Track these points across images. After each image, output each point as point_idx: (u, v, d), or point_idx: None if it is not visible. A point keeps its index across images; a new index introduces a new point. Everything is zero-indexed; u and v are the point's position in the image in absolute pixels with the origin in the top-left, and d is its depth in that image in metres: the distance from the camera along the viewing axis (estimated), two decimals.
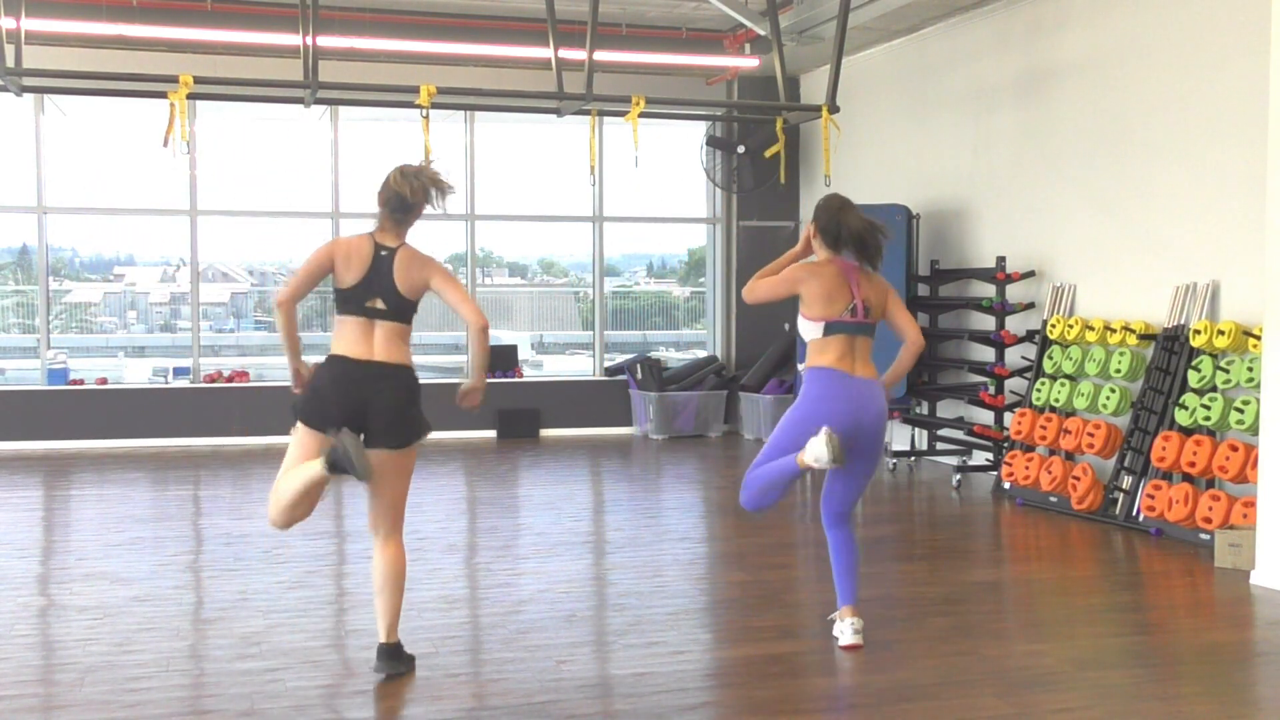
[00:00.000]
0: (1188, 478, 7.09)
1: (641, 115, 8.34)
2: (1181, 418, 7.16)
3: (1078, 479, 7.81)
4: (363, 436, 4.48)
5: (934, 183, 10.15)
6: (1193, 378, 7.22)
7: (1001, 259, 9.06)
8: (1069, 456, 8.13)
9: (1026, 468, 8.27)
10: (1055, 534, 7.44)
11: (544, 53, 8.67)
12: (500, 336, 12.73)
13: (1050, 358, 8.40)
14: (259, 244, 12.64)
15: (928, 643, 5.11)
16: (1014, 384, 9.00)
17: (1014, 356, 9.00)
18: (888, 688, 4.51)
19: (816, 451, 4.70)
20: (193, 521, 7.95)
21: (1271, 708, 4.51)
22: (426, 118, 7.96)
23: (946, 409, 9.97)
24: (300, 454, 4.53)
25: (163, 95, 7.65)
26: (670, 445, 11.27)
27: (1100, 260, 8.29)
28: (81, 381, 11.20)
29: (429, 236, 12.68)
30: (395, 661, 4.64)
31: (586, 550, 7.02)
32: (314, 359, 4.76)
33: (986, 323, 9.30)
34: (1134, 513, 7.44)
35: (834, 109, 8.72)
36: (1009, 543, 7.47)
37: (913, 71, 10.47)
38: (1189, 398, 7.16)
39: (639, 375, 11.87)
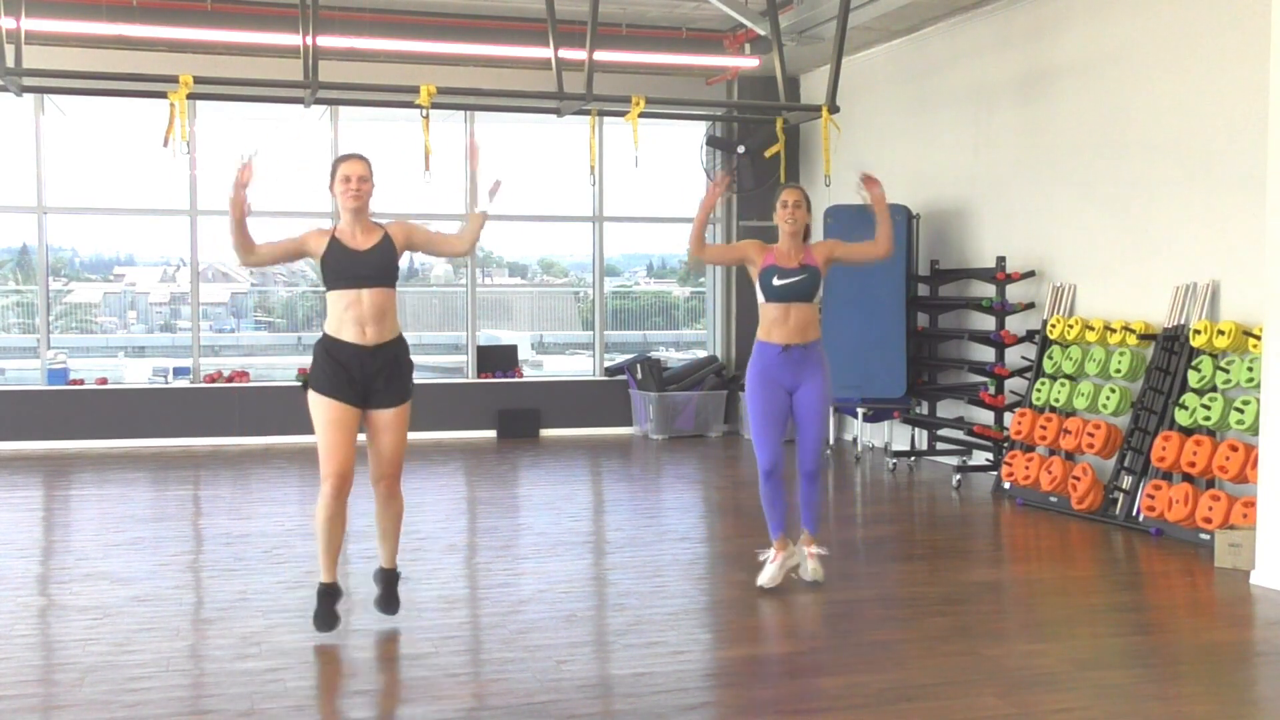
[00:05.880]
0: (1188, 478, 7.09)
1: (641, 115, 8.34)
2: (1181, 418, 7.16)
3: (1078, 479, 7.81)
4: None
5: (934, 183, 10.15)
6: (1193, 378, 7.22)
7: (1001, 259, 9.06)
8: (1069, 456, 8.13)
9: (1026, 468, 8.26)
10: (1055, 534, 7.44)
11: (544, 53, 8.66)
12: (500, 336, 12.75)
13: (1050, 358, 8.40)
14: None
15: (928, 643, 5.11)
16: (1014, 384, 9.00)
17: (1014, 356, 9.00)
18: (888, 688, 4.51)
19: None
20: (193, 521, 7.95)
21: (1271, 708, 4.50)
22: (426, 118, 7.96)
23: (946, 409, 9.97)
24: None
25: (163, 95, 7.65)
26: (670, 445, 11.27)
27: (1100, 260, 8.29)
28: (81, 381, 11.20)
29: None
30: (390, 589, 5.33)
31: (586, 550, 7.02)
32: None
33: (986, 323, 9.30)
34: (1134, 513, 7.44)
35: (834, 109, 8.72)
36: (1009, 543, 7.47)
37: (913, 71, 10.47)
38: (1189, 398, 7.16)
39: (639, 375, 11.87)
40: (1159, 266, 7.77)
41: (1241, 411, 6.80)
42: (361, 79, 9.61)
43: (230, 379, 11.38)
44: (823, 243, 6.08)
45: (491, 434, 11.68)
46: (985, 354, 9.29)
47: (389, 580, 5.36)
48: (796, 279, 5.82)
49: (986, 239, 9.52)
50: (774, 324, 5.84)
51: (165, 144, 7.68)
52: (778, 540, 5.95)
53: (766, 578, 5.92)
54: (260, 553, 6.69)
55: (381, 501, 5.24)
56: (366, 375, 5.01)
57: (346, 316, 5.02)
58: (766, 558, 5.99)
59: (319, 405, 5.02)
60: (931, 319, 10.05)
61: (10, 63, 7.58)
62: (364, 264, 5.04)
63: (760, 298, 5.89)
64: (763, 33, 9.48)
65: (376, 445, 5.14)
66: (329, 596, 5.14)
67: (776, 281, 5.81)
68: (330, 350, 5.03)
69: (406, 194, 11.13)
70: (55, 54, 9.83)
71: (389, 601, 5.35)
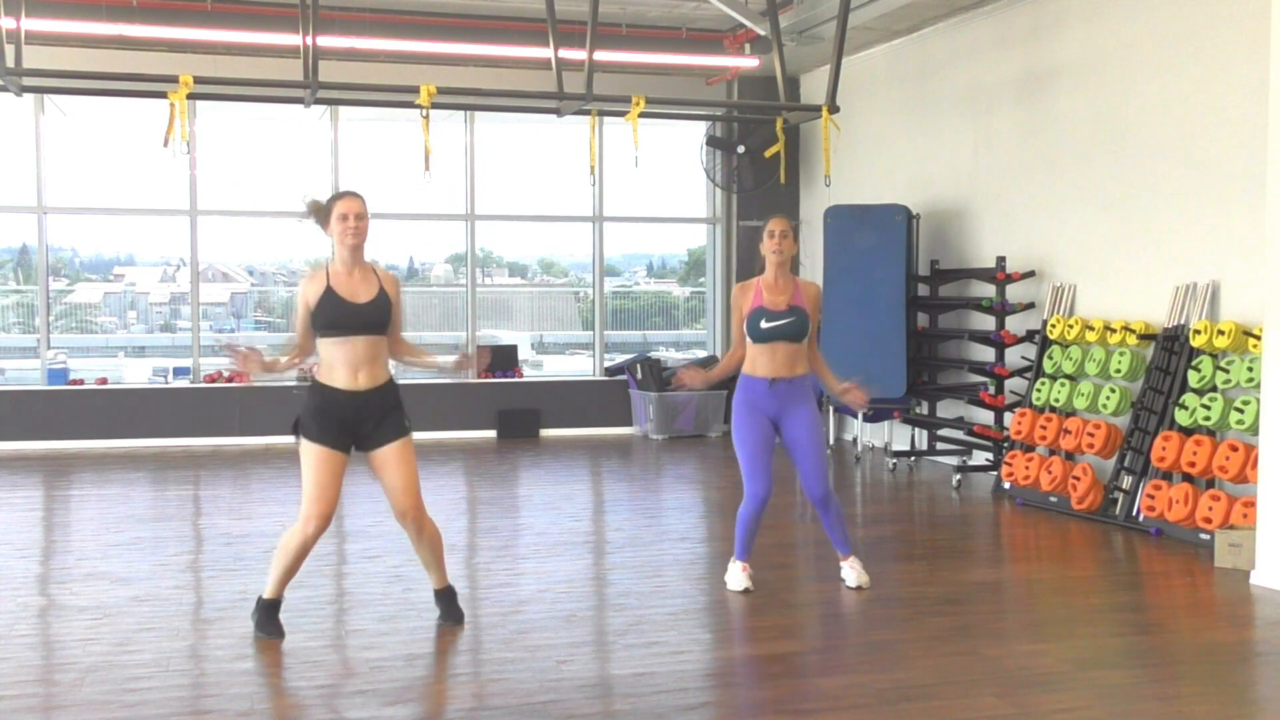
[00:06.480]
0: (1188, 478, 7.09)
1: (641, 115, 8.34)
2: (1181, 418, 7.16)
3: (1078, 479, 7.81)
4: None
5: (934, 183, 10.15)
6: (1193, 378, 7.22)
7: (1001, 259, 9.06)
8: (1069, 456, 8.13)
9: (1026, 468, 8.26)
10: (1055, 534, 7.44)
11: (544, 53, 8.67)
12: (500, 336, 12.74)
13: (1050, 358, 8.40)
14: (259, 244, 12.65)
15: (928, 643, 5.11)
16: (1014, 384, 9.00)
17: (1014, 356, 9.00)
18: (888, 688, 4.51)
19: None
20: (193, 521, 7.95)
21: (1271, 708, 4.50)
22: (426, 118, 7.96)
23: (946, 409, 9.97)
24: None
25: (163, 95, 7.65)
26: (670, 445, 11.27)
27: (1100, 260, 8.29)
28: (81, 381, 11.20)
29: (430, 236, 12.75)
30: (451, 604, 5.36)
31: (586, 550, 7.02)
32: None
33: (986, 323, 9.30)
34: (1134, 513, 7.44)
35: (834, 109, 8.72)
36: (1009, 543, 7.47)
37: (913, 71, 10.47)
38: (1189, 398, 7.16)
39: (639, 375, 11.87)
40: (1159, 266, 7.77)
41: (1241, 411, 6.80)
42: (361, 79, 9.62)
43: (230, 379, 11.38)
44: (812, 292, 5.85)
45: (491, 434, 11.68)
46: (985, 354, 9.29)
47: (448, 598, 5.38)
48: (784, 322, 5.73)
49: (986, 239, 9.52)
50: (759, 359, 5.79)
51: (165, 144, 7.69)
52: (743, 564, 5.97)
53: (737, 584, 5.92)
54: (260, 553, 6.68)
55: (414, 535, 5.22)
56: (358, 420, 5.03)
57: (338, 362, 5.00)
58: (732, 570, 6.00)
59: (309, 450, 5.01)
60: (931, 319, 10.05)
61: (10, 63, 7.58)
62: (359, 317, 5.01)
63: (747, 339, 5.81)
64: (763, 33, 9.48)
65: (387, 482, 5.12)
66: (275, 609, 5.18)
67: (764, 325, 5.73)
68: (322, 397, 5.02)
69: (407, 194, 11.18)
70: (55, 54, 9.83)
71: (452, 614, 5.35)
